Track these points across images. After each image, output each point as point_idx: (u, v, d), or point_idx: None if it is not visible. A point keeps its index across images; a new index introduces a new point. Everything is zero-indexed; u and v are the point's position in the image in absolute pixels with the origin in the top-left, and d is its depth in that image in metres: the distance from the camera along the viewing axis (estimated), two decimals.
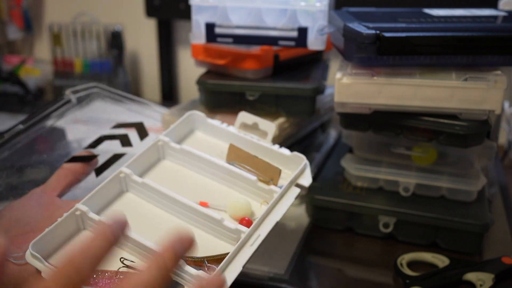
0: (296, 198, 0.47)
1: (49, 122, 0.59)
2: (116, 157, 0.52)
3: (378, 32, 0.52)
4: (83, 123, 1.00)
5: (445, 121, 0.54)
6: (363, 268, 0.58)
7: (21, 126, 0.55)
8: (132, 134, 0.56)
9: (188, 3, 0.64)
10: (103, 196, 0.46)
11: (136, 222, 0.44)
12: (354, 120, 0.59)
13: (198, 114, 0.55)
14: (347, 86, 0.55)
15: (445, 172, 0.61)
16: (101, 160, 0.52)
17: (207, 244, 0.43)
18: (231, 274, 0.39)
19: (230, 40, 0.63)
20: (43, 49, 1.33)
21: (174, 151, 0.51)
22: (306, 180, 0.48)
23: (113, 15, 1.23)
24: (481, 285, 0.51)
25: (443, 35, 0.52)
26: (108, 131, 0.56)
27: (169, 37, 1.19)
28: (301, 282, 0.55)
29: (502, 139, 0.85)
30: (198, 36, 0.64)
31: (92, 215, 0.43)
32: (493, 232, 0.61)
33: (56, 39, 1.16)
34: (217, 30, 0.63)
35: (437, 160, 0.61)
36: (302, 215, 0.66)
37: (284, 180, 0.48)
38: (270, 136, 0.53)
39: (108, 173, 0.50)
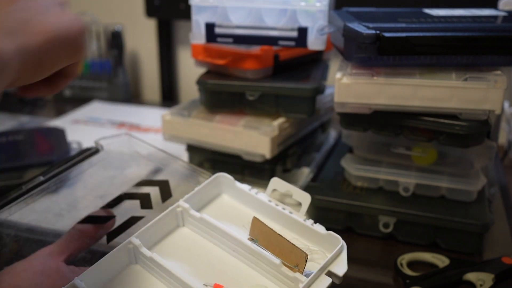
0: None
1: (73, 173, 0.54)
2: (133, 220, 0.47)
3: (378, 32, 0.52)
4: (83, 123, 1.00)
5: (445, 121, 0.54)
6: (363, 268, 0.58)
7: (41, 178, 0.50)
8: (155, 193, 0.51)
9: (188, 3, 0.64)
10: (107, 270, 0.41)
11: None
12: (354, 120, 0.59)
13: (226, 177, 0.50)
14: (347, 86, 0.55)
15: (445, 172, 0.61)
16: (117, 222, 0.47)
17: None
18: None
19: (230, 40, 0.63)
20: None
21: (193, 219, 0.46)
22: (341, 267, 0.41)
23: (113, 15, 1.23)
24: (481, 285, 0.51)
25: (443, 35, 0.52)
26: (130, 189, 0.51)
27: (169, 37, 1.19)
28: None
29: (502, 139, 0.85)
30: (198, 36, 0.64)
31: None
32: (493, 232, 0.61)
33: None
34: (217, 30, 0.63)
35: (437, 160, 0.61)
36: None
37: (314, 263, 0.42)
38: (305, 208, 0.47)
39: (123, 238, 0.45)
